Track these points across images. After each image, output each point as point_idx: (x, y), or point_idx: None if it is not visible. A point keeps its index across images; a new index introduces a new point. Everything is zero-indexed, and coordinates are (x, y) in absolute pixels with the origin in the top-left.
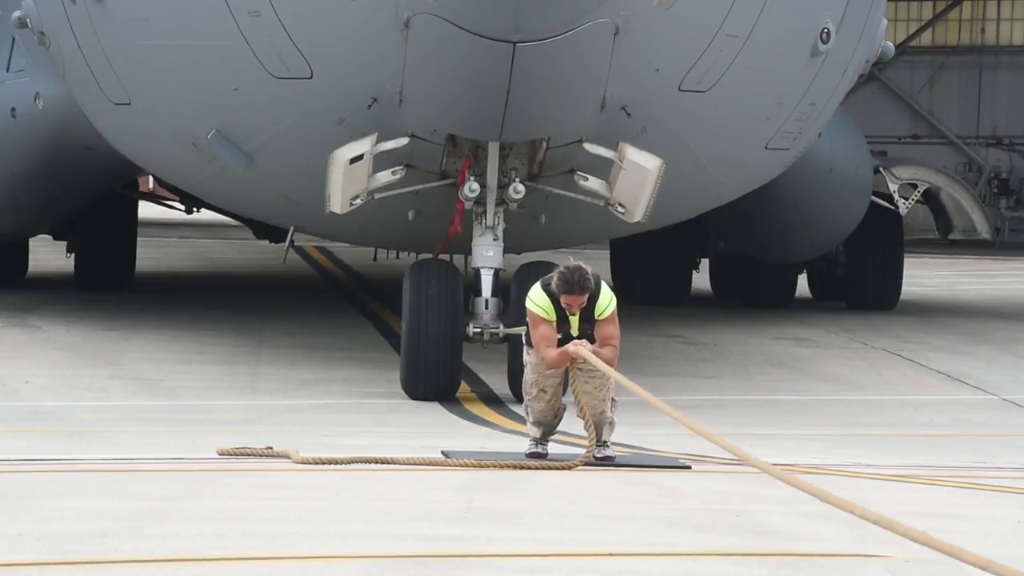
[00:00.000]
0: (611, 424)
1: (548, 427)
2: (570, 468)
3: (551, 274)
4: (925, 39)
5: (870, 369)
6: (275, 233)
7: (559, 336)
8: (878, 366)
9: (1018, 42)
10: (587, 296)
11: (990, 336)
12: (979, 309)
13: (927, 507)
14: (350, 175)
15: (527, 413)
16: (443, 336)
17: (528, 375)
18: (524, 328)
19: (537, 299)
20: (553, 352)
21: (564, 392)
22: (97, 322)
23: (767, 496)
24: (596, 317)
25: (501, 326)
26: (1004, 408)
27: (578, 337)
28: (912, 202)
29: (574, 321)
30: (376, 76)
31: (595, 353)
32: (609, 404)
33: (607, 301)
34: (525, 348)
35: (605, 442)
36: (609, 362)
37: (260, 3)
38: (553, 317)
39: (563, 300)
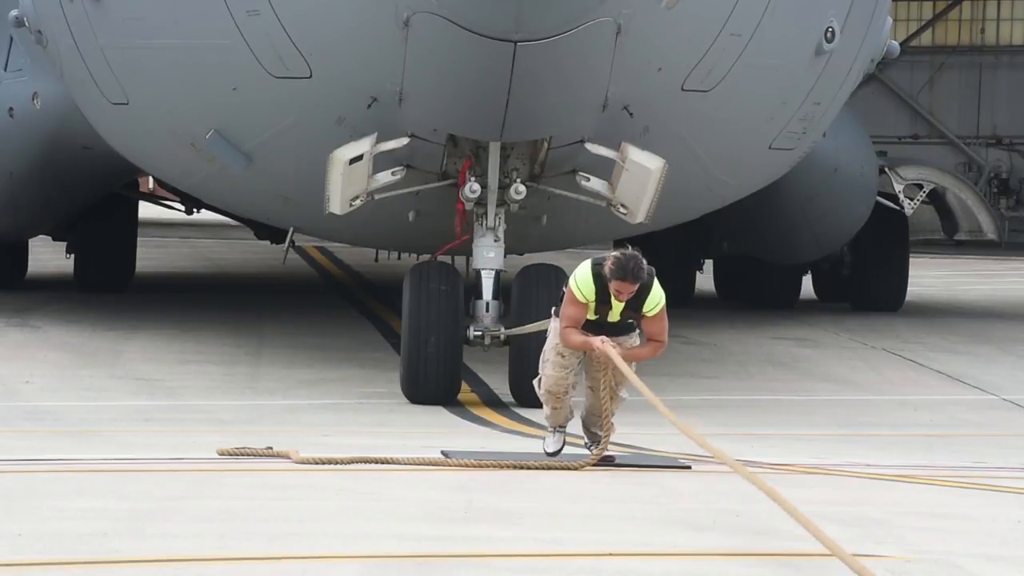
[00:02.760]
0: (610, 429)
1: (558, 400)
2: (578, 468)
3: (605, 256)
4: (925, 39)
5: (870, 369)
6: (276, 234)
7: (595, 318)
8: (878, 366)
9: (1018, 42)
10: (638, 287)
11: (990, 336)
12: (979, 309)
13: (927, 507)
14: (349, 175)
15: (538, 385)
16: (443, 341)
17: (550, 341)
18: (527, 326)
19: (581, 280)
20: (577, 337)
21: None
22: (97, 322)
23: (767, 496)
24: (644, 312)
25: (502, 329)
26: (1004, 408)
27: (616, 323)
28: (917, 202)
29: (617, 307)
30: (376, 75)
31: (632, 349)
32: (623, 391)
33: (657, 299)
34: (552, 315)
35: (597, 435)
36: (645, 357)
37: (259, 2)
38: (592, 299)
39: (613, 286)
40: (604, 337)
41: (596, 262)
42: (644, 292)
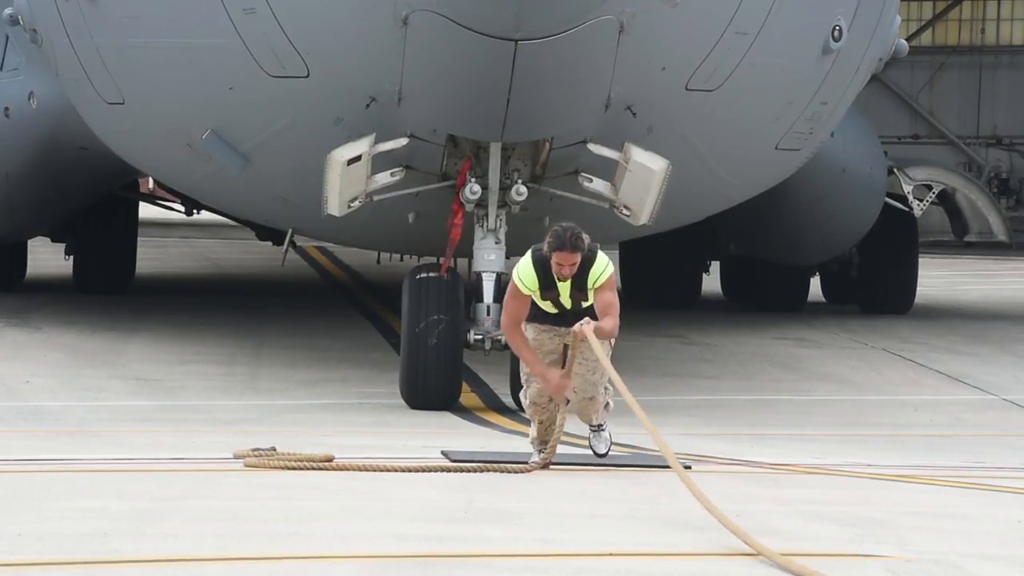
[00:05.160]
0: (607, 407)
1: (543, 411)
2: (528, 470)
3: (542, 242)
4: (925, 39)
5: (870, 369)
6: (277, 235)
7: (553, 310)
8: (878, 366)
9: (1018, 42)
10: (579, 257)
11: (991, 336)
12: (980, 309)
13: (927, 507)
14: (348, 176)
15: (524, 396)
16: (443, 346)
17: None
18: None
19: (522, 269)
20: (518, 338)
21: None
22: (97, 323)
23: (767, 496)
24: (591, 286)
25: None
26: (1004, 408)
27: (570, 308)
28: (927, 203)
29: (564, 288)
30: (374, 75)
31: (598, 326)
32: (601, 390)
33: (602, 267)
34: (526, 324)
35: (600, 426)
36: (610, 333)
37: (255, 0)
38: (536, 288)
39: (554, 259)
40: (587, 319)
41: (535, 249)
42: (587, 265)
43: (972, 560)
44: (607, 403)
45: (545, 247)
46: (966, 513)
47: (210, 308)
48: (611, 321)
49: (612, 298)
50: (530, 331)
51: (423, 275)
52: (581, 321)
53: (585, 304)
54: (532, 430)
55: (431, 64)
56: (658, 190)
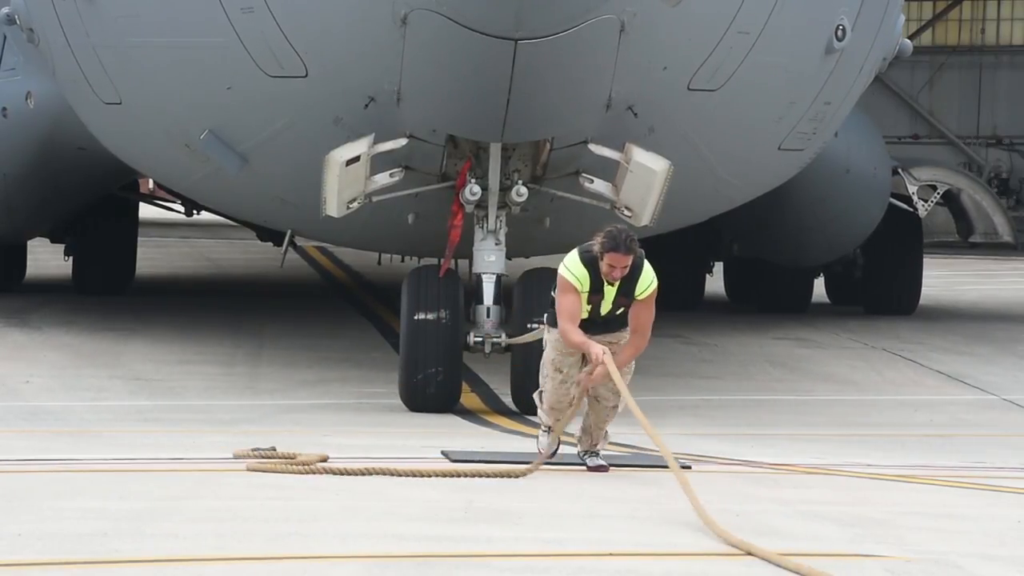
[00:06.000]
0: (605, 435)
1: (562, 413)
2: (521, 475)
3: (591, 241)
4: (925, 39)
5: (870, 369)
6: (278, 236)
7: (588, 315)
8: (878, 366)
9: (1018, 42)
10: (631, 260)
11: (990, 336)
12: (980, 309)
13: (927, 507)
14: (346, 177)
15: (539, 399)
16: (443, 348)
17: (547, 353)
18: (524, 336)
19: (572, 266)
20: (577, 336)
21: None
22: (97, 323)
23: (767, 496)
24: (637, 294)
25: (503, 335)
26: (1004, 408)
27: (608, 319)
28: (932, 204)
29: (609, 293)
30: (373, 74)
31: (618, 356)
32: (617, 404)
33: (650, 279)
34: (545, 323)
35: (597, 452)
36: (626, 362)
37: None
38: (586, 288)
39: (606, 260)
40: (604, 348)
41: (583, 249)
42: (636, 272)
43: (972, 560)
44: (606, 432)
45: (596, 247)
46: (966, 513)
47: (210, 308)
48: (633, 349)
49: (649, 316)
50: (554, 332)
51: (420, 316)
52: (602, 350)
53: (619, 312)
54: (547, 419)
55: (430, 64)
56: (660, 191)
